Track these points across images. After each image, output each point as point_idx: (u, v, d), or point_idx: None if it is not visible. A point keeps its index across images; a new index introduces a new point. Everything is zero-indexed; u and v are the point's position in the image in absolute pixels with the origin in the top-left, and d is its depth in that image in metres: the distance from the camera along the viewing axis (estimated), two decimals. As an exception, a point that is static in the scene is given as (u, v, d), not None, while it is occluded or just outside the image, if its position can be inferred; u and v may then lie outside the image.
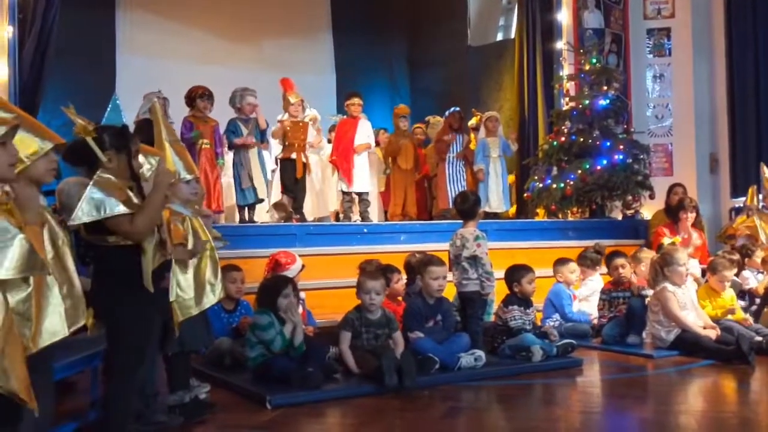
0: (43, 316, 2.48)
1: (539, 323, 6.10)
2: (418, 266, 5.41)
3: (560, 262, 6.57)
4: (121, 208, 2.98)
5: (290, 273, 5.37)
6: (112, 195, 2.98)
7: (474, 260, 5.18)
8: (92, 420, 3.65)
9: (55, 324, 2.51)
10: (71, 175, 4.08)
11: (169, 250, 3.25)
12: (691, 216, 7.28)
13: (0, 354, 2.24)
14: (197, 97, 7.06)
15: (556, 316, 6.32)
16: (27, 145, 2.71)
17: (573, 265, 6.54)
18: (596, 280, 6.61)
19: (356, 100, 8.06)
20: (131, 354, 3.13)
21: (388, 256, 6.24)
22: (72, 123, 3.16)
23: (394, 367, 4.35)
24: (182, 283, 3.70)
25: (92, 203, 2.95)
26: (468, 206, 5.41)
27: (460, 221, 5.53)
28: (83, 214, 2.94)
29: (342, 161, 7.95)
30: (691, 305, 5.73)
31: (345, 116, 8.32)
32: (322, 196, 8.70)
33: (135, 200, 3.07)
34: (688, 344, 5.45)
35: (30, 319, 2.43)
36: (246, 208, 7.35)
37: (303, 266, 5.64)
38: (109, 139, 3.13)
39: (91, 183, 2.99)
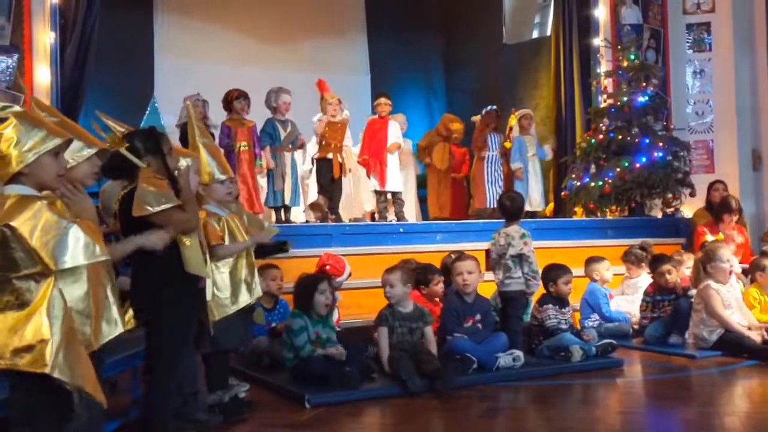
0: (102, 313, 2.54)
1: (578, 323, 6.05)
2: (450, 266, 5.40)
3: (595, 260, 6.50)
4: (174, 199, 3.04)
5: (335, 284, 5.39)
6: (162, 189, 3.04)
7: (519, 259, 5.16)
8: (134, 418, 3.70)
9: (111, 321, 2.58)
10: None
11: (204, 250, 3.29)
12: (734, 218, 7.16)
13: (63, 350, 2.32)
14: (234, 99, 7.11)
15: (595, 315, 6.25)
16: (73, 147, 2.79)
17: (608, 263, 6.47)
18: (643, 279, 6.51)
19: (384, 100, 8.02)
20: (171, 351, 3.17)
21: (424, 256, 6.23)
22: (108, 128, 3.21)
23: (413, 372, 4.36)
24: (218, 283, 3.75)
25: (153, 196, 2.99)
26: (516, 207, 5.41)
27: (497, 221, 5.50)
28: (148, 205, 2.97)
29: (375, 161, 7.91)
30: (736, 305, 5.62)
31: (374, 116, 8.28)
32: (356, 197, 8.72)
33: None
34: (731, 344, 5.34)
35: (90, 317, 2.50)
36: (282, 209, 7.38)
37: (349, 275, 5.67)
38: (142, 144, 3.17)
39: (139, 184, 3.03)
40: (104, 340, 2.56)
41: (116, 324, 2.61)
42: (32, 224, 2.31)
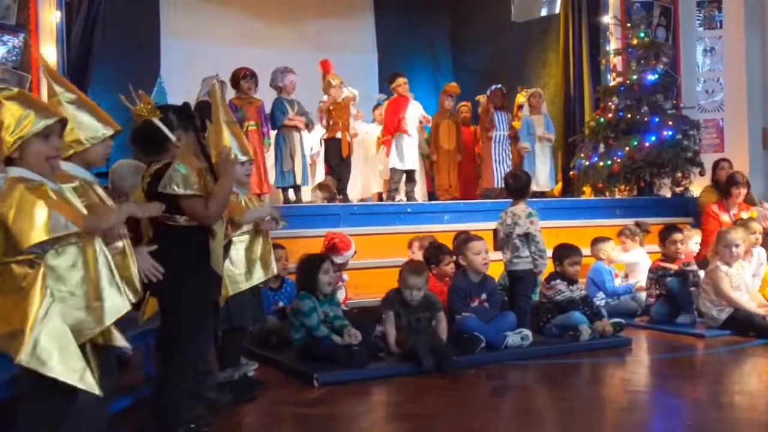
0: (104, 294, 2.50)
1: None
2: (457, 247, 5.38)
3: (601, 240, 6.55)
4: (198, 189, 3.02)
5: (342, 258, 5.41)
6: (194, 173, 3.02)
7: (526, 238, 5.16)
8: (147, 395, 3.72)
9: (116, 299, 2.53)
10: (121, 157, 4.16)
11: (229, 233, 3.29)
12: (742, 191, 7.11)
13: (42, 339, 2.30)
14: (241, 78, 7.10)
15: (600, 294, 6.26)
16: (88, 128, 2.76)
17: (613, 243, 6.55)
18: (639, 253, 6.60)
19: (404, 80, 8.00)
20: (189, 334, 3.16)
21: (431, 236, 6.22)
22: (121, 107, 3.19)
23: (429, 350, 4.35)
24: (233, 258, 3.76)
25: (181, 177, 2.98)
26: (521, 185, 5.39)
27: (504, 200, 5.48)
28: (176, 186, 2.97)
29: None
30: (745, 287, 5.60)
31: (391, 96, 8.22)
32: (364, 178, 8.70)
33: (210, 182, 3.10)
34: (740, 323, 5.34)
35: (90, 300, 2.47)
36: (290, 189, 7.38)
37: (355, 252, 5.68)
38: (176, 117, 3.15)
39: (177, 159, 3.02)
40: (111, 321, 2.51)
41: (122, 301, 2.55)
42: (14, 207, 2.31)
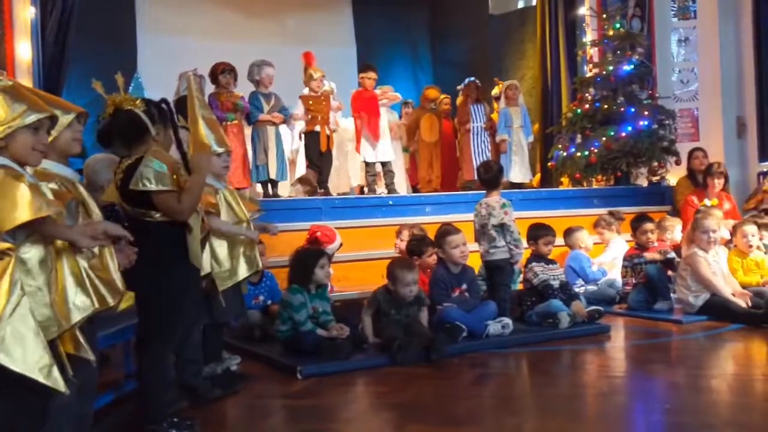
0: (69, 293, 2.44)
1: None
2: (436, 240, 5.41)
3: (575, 229, 6.67)
4: (171, 184, 3.01)
5: (327, 251, 5.42)
6: (167, 168, 3.01)
7: (502, 228, 5.20)
8: (127, 391, 3.72)
9: (80, 299, 2.46)
10: (96, 152, 4.14)
11: (205, 225, 3.29)
12: (718, 182, 7.21)
13: (7, 334, 2.22)
14: (219, 73, 7.06)
15: (579, 281, 6.34)
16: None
17: (587, 231, 6.66)
18: (619, 243, 6.69)
19: (372, 74, 7.96)
20: (168, 326, 3.17)
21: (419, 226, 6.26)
22: (97, 102, 3.17)
23: (406, 348, 4.39)
24: (219, 256, 3.76)
25: (153, 173, 2.97)
26: (491, 175, 5.42)
27: (485, 191, 5.52)
28: (148, 182, 2.96)
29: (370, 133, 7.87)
30: (720, 274, 5.68)
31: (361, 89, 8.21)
32: (343, 172, 8.69)
33: (184, 176, 3.09)
34: (717, 309, 5.42)
35: (59, 297, 2.41)
36: (269, 184, 7.36)
37: (341, 244, 5.68)
38: (157, 111, 3.15)
39: (149, 155, 3.01)
40: (77, 319, 2.44)
41: (88, 300, 2.48)
42: None
